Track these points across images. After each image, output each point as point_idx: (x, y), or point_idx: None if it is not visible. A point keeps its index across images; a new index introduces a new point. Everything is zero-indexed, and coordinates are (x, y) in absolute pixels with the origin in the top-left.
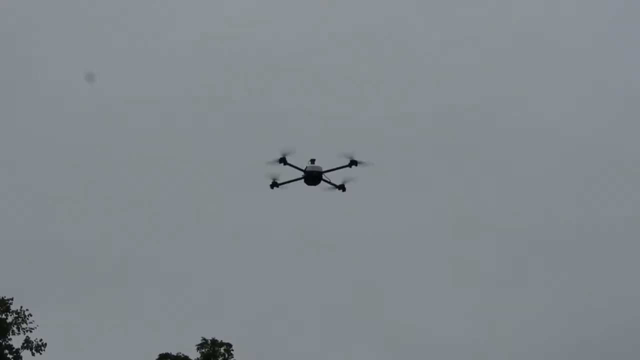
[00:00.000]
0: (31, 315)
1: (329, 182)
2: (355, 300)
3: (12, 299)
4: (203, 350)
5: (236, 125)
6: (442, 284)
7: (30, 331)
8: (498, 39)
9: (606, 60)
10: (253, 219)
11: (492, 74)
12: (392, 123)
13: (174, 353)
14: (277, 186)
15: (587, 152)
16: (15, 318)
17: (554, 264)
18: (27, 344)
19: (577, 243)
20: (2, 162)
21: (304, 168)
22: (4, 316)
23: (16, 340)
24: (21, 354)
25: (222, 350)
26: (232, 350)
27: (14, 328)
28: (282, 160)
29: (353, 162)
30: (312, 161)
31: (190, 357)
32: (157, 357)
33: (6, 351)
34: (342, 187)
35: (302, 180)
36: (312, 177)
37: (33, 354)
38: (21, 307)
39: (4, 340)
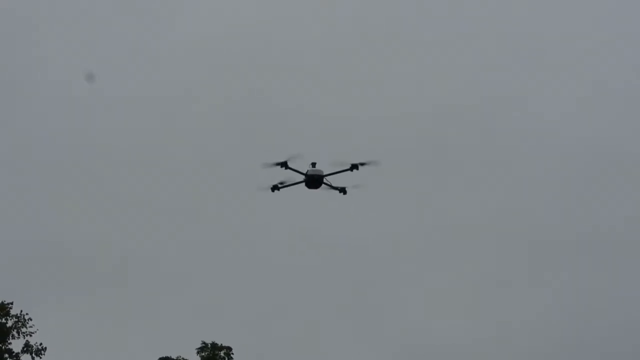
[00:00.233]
0: (31, 320)
1: (330, 186)
2: (355, 301)
3: (11, 303)
4: (203, 354)
5: (236, 125)
6: (442, 284)
7: (30, 335)
8: (498, 39)
9: (606, 60)
10: (253, 220)
11: (492, 74)
12: (392, 123)
13: (174, 356)
14: (278, 189)
15: (587, 152)
16: (15, 322)
17: (554, 264)
18: (27, 348)
19: (577, 243)
20: (2, 162)
21: (305, 172)
22: (4, 320)
23: (16, 345)
24: (21, 358)
25: (222, 353)
26: (232, 353)
27: (14, 332)
28: (284, 165)
29: (354, 166)
30: (313, 165)
31: None
32: None
33: (6, 355)
34: (342, 190)
35: (303, 183)
36: (313, 180)
37: (33, 358)
38: (21, 311)
39: (4, 345)
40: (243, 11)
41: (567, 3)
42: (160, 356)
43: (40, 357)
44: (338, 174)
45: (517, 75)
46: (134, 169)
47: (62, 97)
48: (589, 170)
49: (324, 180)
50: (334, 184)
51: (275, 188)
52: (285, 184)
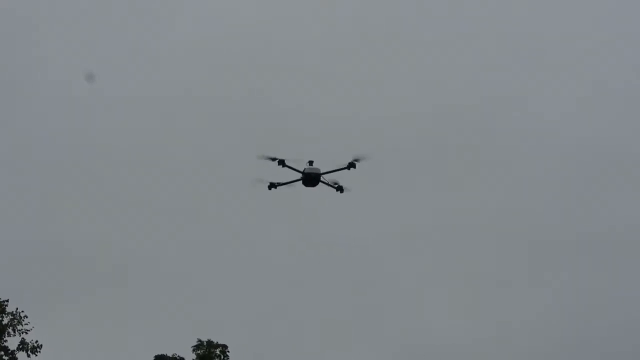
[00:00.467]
0: (27, 317)
1: (327, 184)
2: (354, 300)
3: (7, 301)
4: (199, 352)
5: (236, 125)
6: (441, 284)
7: (26, 333)
8: (498, 39)
9: (606, 60)
10: (251, 219)
11: (492, 74)
12: (392, 123)
13: (170, 354)
14: (275, 187)
15: (587, 152)
16: (11, 320)
17: (554, 263)
18: (23, 346)
19: (577, 243)
20: (2, 162)
21: (302, 170)
22: None
23: (12, 342)
24: (17, 356)
25: (217, 351)
26: (228, 351)
27: (10, 330)
28: (281, 162)
29: (352, 164)
30: (310, 163)
31: (186, 358)
32: (152, 358)
33: (1, 353)
34: (340, 188)
35: (301, 181)
36: (311, 178)
37: (29, 356)
38: (17, 308)
39: (0, 342)
40: (243, 11)
41: (567, 3)
42: (156, 354)
43: (36, 355)
44: (335, 172)
45: (517, 75)
46: (133, 169)
47: (62, 97)
48: (589, 170)
49: (321, 179)
50: (331, 182)
51: (272, 186)
52: (282, 183)
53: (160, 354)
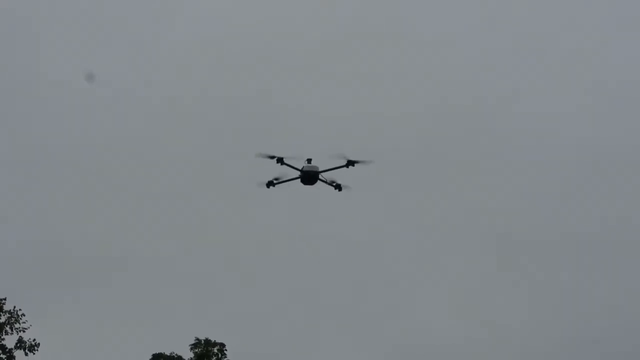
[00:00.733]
0: (24, 315)
1: (326, 182)
2: (351, 300)
3: (5, 299)
4: (196, 350)
5: (236, 125)
6: (440, 284)
7: (24, 331)
8: (498, 39)
9: (606, 60)
10: (251, 218)
11: (492, 74)
12: (391, 122)
13: (168, 353)
14: (274, 185)
15: (587, 152)
16: (8, 318)
17: (554, 264)
18: (20, 344)
19: (577, 243)
20: (2, 162)
21: (300, 168)
22: None
23: (9, 340)
24: (14, 354)
25: (215, 350)
26: (226, 350)
27: (7, 328)
28: (279, 160)
29: (350, 163)
30: (309, 161)
31: (184, 356)
32: (150, 357)
33: None
34: (338, 187)
35: (299, 179)
36: (309, 177)
37: (26, 354)
38: (14, 307)
39: None
40: (243, 11)
41: (567, 3)
42: (154, 352)
43: (34, 353)
44: (334, 170)
45: (516, 75)
46: (133, 168)
47: (62, 97)
48: (589, 170)
49: (320, 177)
50: (329, 180)
51: (270, 184)
52: (280, 180)
53: (157, 352)
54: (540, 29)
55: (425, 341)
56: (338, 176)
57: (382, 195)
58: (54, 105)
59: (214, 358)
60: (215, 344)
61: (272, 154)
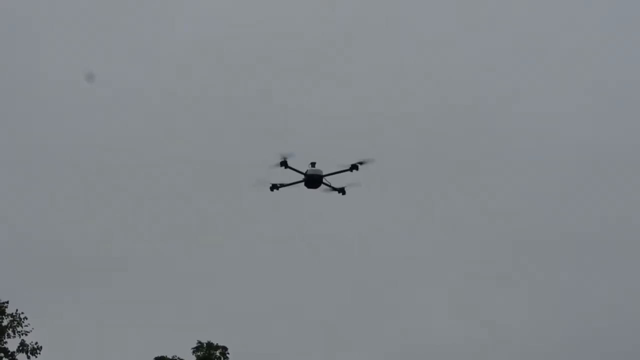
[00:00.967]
0: (27, 319)
1: (330, 186)
2: (353, 302)
3: (7, 302)
4: (199, 354)
5: (236, 125)
6: (441, 284)
7: (26, 334)
8: (498, 39)
9: (606, 60)
10: (251, 220)
11: (492, 74)
12: (391, 123)
13: (170, 356)
14: (277, 189)
15: (587, 152)
16: (11, 321)
17: (554, 264)
18: (23, 347)
19: (577, 243)
20: (1, 162)
21: (304, 171)
22: None
23: (12, 344)
24: (16, 357)
25: (217, 353)
26: (228, 353)
27: (10, 331)
28: (283, 164)
29: (354, 166)
30: (313, 164)
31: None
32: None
33: (1, 354)
34: (342, 191)
35: (303, 183)
36: (313, 180)
37: (28, 357)
38: (17, 310)
39: (0, 344)
40: (243, 11)
41: (567, 3)
42: (156, 356)
43: (36, 357)
44: (338, 174)
45: (516, 75)
46: (133, 168)
47: (62, 97)
48: (589, 170)
49: (324, 180)
50: (333, 184)
51: (274, 187)
52: (284, 184)
53: (160, 355)
54: (540, 29)
55: (425, 341)
56: (342, 180)
57: (382, 195)
58: (54, 105)
59: None
60: (217, 347)
61: (279, 160)
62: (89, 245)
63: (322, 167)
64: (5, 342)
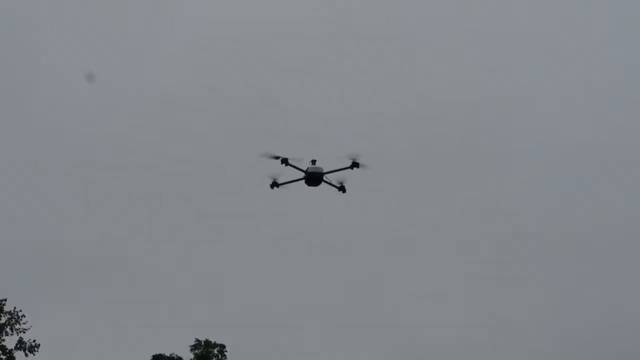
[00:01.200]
0: (24, 316)
1: (330, 183)
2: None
3: (5, 300)
4: (197, 352)
5: (236, 125)
6: (441, 284)
7: (24, 332)
8: (498, 39)
9: (606, 60)
10: (251, 218)
11: (493, 74)
12: (391, 123)
13: (168, 354)
14: (278, 186)
15: (587, 152)
16: (9, 319)
17: (553, 263)
18: (21, 345)
19: (577, 243)
20: (1, 162)
21: (305, 169)
22: None
23: (9, 341)
24: (14, 355)
25: (215, 351)
26: (226, 351)
27: (7, 329)
28: (284, 161)
29: (355, 164)
30: (313, 162)
31: (184, 357)
32: (150, 357)
33: None
34: (342, 189)
35: (303, 180)
36: (314, 178)
37: (26, 355)
38: (14, 307)
39: None
40: (243, 11)
41: (567, 3)
42: (154, 353)
43: (34, 354)
44: (338, 172)
45: (517, 75)
46: (133, 168)
47: (62, 97)
48: (589, 170)
49: (324, 178)
50: (333, 182)
51: (274, 185)
52: (285, 182)
53: (158, 353)
54: (540, 29)
55: (425, 341)
56: (343, 178)
57: (382, 195)
58: (54, 105)
59: (214, 359)
60: (215, 345)
61: (276, 154)
62: (87, 245)
63: (323, 167)
64: (3, 340)
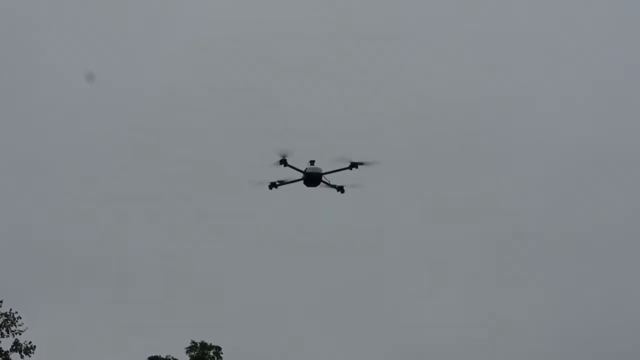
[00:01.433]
0: (20, 318)
1: (328, 184)
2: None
3: (1, 302)
4: (192, 353)
5: (236, 125)
6: (440, 284)
7: (20, 333)
8: (498, 39)
9: (606, 61)
10: (249, 218)
11: (493, 74)
12: (391, 123)
13: (164, 356)
14: (276, 187)
15: (587, 152)
16: (5, 320)
17: (553, 263)
18: (16, 347)
19: (577, 243)
20: (1, 161)
21: (303, 169)
22: None
23: (5, 343)
24: (10, 357)
25: (211, 353)
26: (222, 353)
27: (3, 330)
28: (283, 162)
29: (354, 165)
30: (312, 162)
31: (180, 359)
32: (146, 359)
33: None
34: (340, 189)
35: (302, 181)
36: (312, 178)
37: (22, 357)
38: (10, 309)
39: None
40: (243, 11)
41: (567, 3)
42: (150, 355)
43: (30, 356)
44: (337, 172)
45: (517, 75)
46: (133, 168)
47: (62, 97)
48: (589, 170)
49: (323, 179)
50: (332, 183)
51: (273, 186)
52: (283, 182)
53: (153, 355)
54: (540, 29)
55: (425, 341)
56: (341, 178)
57: (381, 195)
58: (54, 105)
59: None
60: (211, 346)
61: (279, 158)
62: (83, 246)
63: (321, 167)
64: None
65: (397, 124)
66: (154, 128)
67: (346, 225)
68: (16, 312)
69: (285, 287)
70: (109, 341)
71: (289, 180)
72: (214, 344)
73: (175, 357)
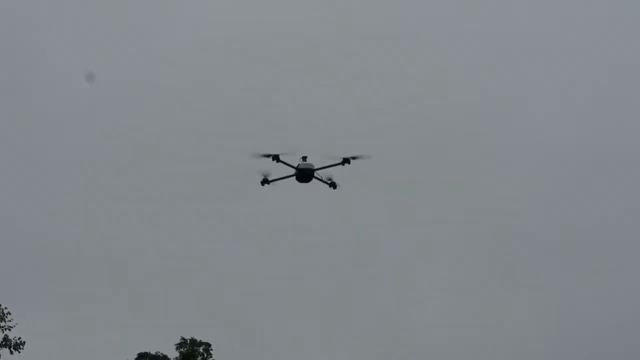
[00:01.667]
0: (10, 314)
1: (321, 180)
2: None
3: None
4: (182, 350)
5: (236, 124)
6: (439, 284)
7: (9, 329)
8: (498, 39)
9: (606, 60)
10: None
11: (493, 74)
12: (391, 122)
13: (153, 352)
14: (268, 183)
15: (587, 152)
16: None
17: (552, 263)
18: (6, 342)
19: (577, 243)
20: (1, 161)
21: (296, 165)
22: None
23: None
24: None
25: (201, 349)
26: (211, 349)
27: None
28: (275, 158)
29: (346, 160)
30: (304, 158)
31: (169, 356)
32: (135, 356)
33: None
34: (333, 185)
35: (294, 177)
36: (304, 174)
37: (11, 352)
38: (0, 305)
39: None
40: (243, 11)
41: (567, 3)
42: (139, 352)
43: (19, 352)
44: (329, 168)
45: (517, 75)
46: (133, 168)
47: (62, 97)
48: (589, 170)
49: (315, 174)
50: (324, 178)
51: (265, 182)
52: (275, 178)
53: (143, 351)
54: (540, 29)
55: (422, 341)
56: (334, 174)
57: (381, 195)
58: (54, 105)
59: (200, 358)
60: (200, 343)
61: (267, 152)
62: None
63: (314, 164)
64: None
65: (396, 124)
66: (154, 128)
67: (343, 224)
68: (5, 308)
69: (274, 284)
70: (98, 338)
71: (282, 176)
72: (203, 340)
73: (164, 353)
